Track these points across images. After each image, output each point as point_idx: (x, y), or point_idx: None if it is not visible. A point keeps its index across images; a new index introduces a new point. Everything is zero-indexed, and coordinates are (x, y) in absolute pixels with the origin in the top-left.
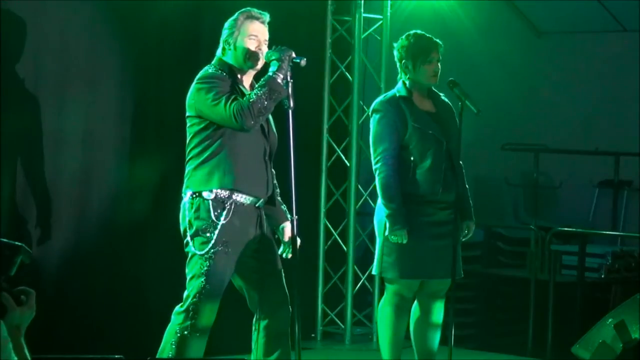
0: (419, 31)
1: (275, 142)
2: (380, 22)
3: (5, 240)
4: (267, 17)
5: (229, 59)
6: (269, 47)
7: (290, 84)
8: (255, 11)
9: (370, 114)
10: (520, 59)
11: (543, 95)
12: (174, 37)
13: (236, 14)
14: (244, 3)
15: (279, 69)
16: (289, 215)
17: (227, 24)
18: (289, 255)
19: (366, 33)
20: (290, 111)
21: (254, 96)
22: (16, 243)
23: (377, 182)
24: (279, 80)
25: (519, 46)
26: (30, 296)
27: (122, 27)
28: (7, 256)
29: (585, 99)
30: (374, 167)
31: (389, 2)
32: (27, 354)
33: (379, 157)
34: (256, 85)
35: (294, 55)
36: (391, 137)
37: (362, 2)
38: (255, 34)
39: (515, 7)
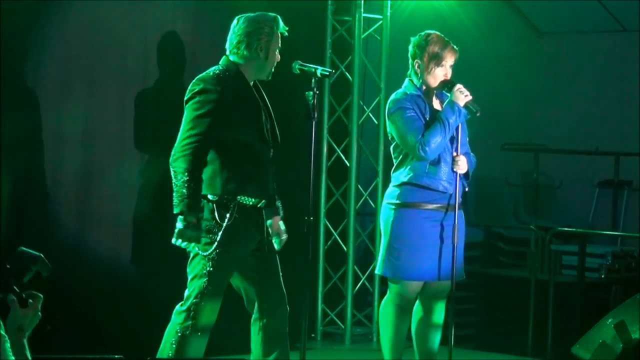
0: (438, 33)
1: (277, 145)
2: (380, 22)
3: (27, 249)
4: None
5: (254, 64)
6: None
7: (315, 96)
8: (282, 21)
9: (387, 114)
10: (520, 59)
11: (543, 95)
12: (174, 37)
13: (268, 15)
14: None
15: None
16: (280, 212)
17: (256, 24)
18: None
19: (366, 33)
20: (313, 122)
21: None
22: (36, 253)
23: (428, 153)
24: None
25: (519, 46)
26: (37, 300)
27: (122, 27)
28: (24, 263)
29: (585, 99)
30: (419, 153)
31: (389, 2)
32: (29, 354)
33: (418, 145)
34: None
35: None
36: (421, 125)
37: (362, 2)
38: (279, 46)
39: (515, 7)
